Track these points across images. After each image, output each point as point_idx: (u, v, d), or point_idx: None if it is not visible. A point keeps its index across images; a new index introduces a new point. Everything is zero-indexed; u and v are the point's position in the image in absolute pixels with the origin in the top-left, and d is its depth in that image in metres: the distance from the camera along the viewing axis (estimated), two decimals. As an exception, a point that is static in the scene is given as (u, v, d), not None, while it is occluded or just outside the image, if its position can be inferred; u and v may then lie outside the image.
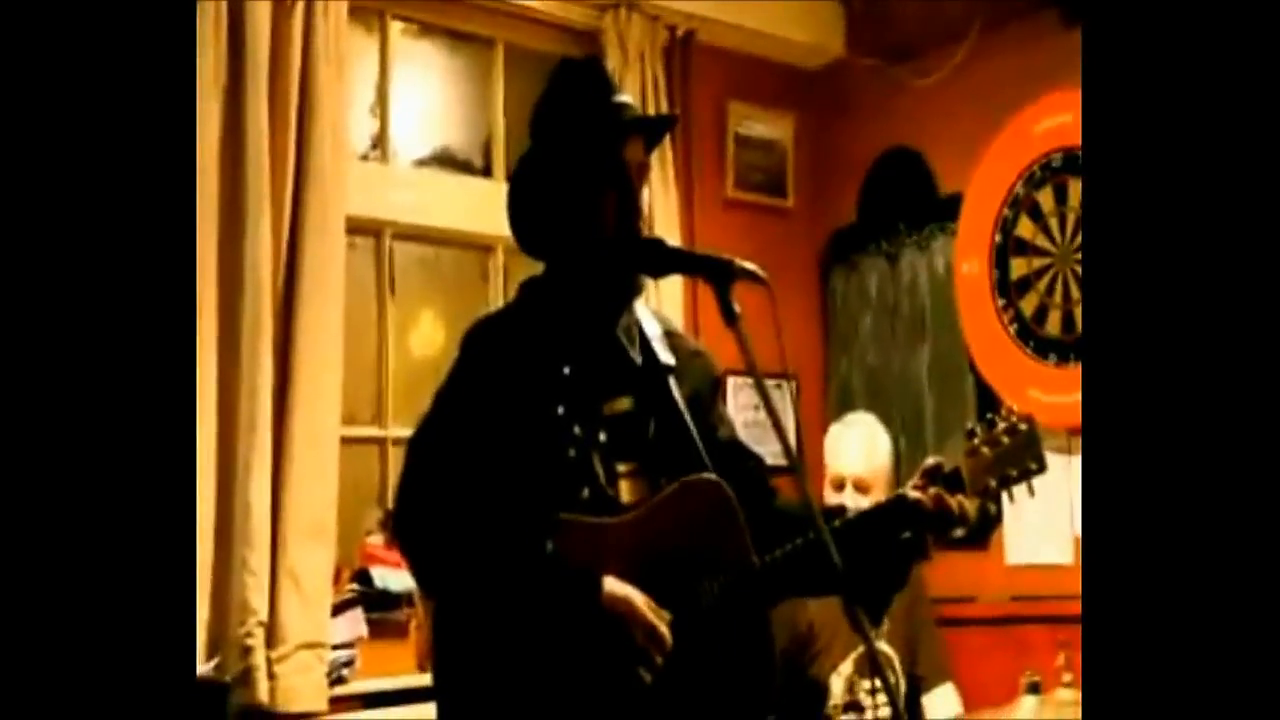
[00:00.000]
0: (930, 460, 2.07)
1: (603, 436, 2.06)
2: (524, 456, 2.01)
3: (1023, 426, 2.05)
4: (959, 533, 2.05)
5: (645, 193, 2.11)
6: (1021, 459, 2.04)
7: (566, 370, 2.06)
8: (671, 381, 2.12)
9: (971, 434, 2.07)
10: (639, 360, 2.13)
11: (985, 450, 2.04)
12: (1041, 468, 2.04)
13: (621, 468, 2.07)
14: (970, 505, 2.01)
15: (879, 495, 3.32)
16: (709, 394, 2.22)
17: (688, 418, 2.09)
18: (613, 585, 1.94)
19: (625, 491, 2.06)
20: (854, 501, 3.28)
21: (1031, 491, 2.03)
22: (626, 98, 2.17)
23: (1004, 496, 2.07)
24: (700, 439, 2.08)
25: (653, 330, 2.17)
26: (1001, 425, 2.05)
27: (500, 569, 1.96)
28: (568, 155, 2.09)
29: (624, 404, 2.10)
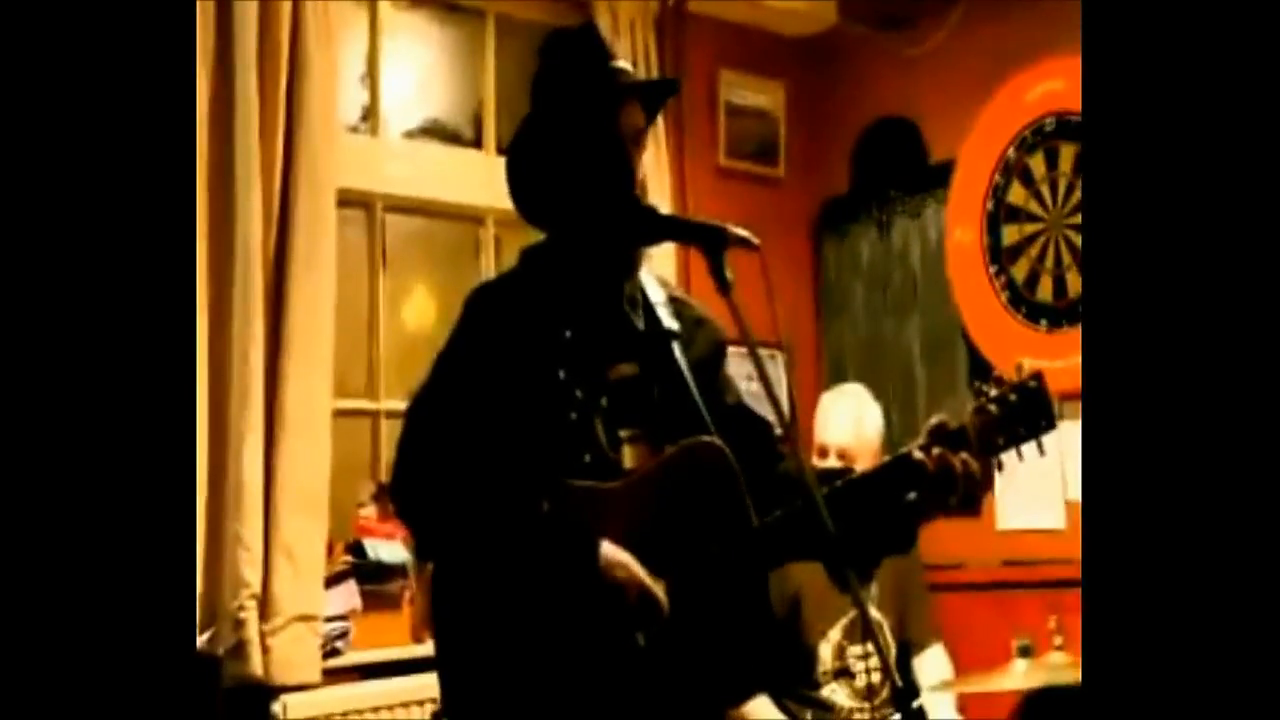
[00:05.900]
0: (935, 419, 2.04)
1: (605, 401, 2.05)
2: (524, 419, 2.01)
3: (1032, 384, 2.02)
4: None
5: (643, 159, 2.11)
6: (1031, 417, 2.01)
7: (568, 334, 2.05)
8: (675, 347, 2.11)
9: (980, 392, 2.04)
10: (642, 326, 2.12)
11: (993, 408, 2.02)
12: (1051, 424, 2.00)
13: (624, 433, 2.06)
14: (975, 464, 1.99)
15: (865, 466, 3.33)
16: (714, 360, 2.21)
17: (691, 383, 2.08)
18: (609, 549, 1.94)
19: (628, 457, 2.05)
20: (840, 471, 3.29)
21: (1041, 450, 2.00)
22: (624, 64, 2.16)
23: (1000, 461, 2.05)
24: (705, 404, 2.07)
25: (657, 296, 2.16)
26: (1010, 383, 2.03)
27: (497, 530, 1.96)
28: (564, 121, 2.09)
29: (627, 369, 2.09)
